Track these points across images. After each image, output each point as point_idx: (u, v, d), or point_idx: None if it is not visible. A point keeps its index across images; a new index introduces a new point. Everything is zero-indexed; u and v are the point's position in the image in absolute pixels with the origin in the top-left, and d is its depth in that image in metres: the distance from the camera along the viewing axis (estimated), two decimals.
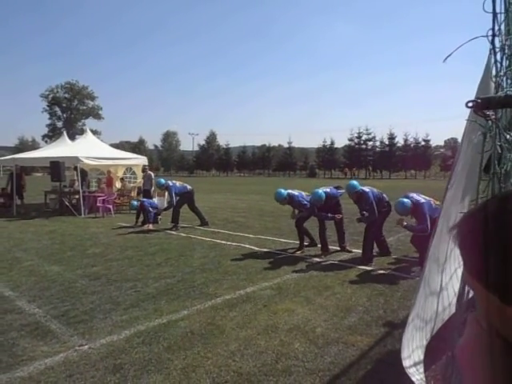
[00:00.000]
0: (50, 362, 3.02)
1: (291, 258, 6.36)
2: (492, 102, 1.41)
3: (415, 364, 2.36)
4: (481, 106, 1.42)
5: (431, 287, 2.44)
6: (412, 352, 2.37)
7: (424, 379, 2.30)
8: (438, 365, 2.79)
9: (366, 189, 6.18)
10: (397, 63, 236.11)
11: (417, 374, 2.28)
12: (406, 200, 5.33)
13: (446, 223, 2.28)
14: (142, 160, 14.31)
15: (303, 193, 6.97)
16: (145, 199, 10.23)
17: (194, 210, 9.83)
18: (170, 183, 9.49)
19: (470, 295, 1.94)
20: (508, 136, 1.71)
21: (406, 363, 2.28)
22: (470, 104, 1.42)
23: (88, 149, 13.35)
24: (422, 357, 2.44)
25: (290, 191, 6.84)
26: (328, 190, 6.67)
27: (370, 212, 5.94)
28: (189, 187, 9.68)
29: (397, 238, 7.70)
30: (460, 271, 2.68)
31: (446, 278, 2.58)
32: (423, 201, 5.40)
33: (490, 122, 1.59)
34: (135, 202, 10.23)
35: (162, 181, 9.67)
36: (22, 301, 4.43)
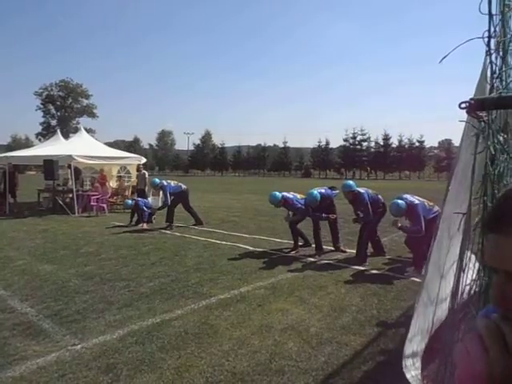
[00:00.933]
0: (42, 361, 3.00)
1: (286, 258, 6.36)
2: (485, 103, 1.42)
3: (413, 355, 2.34)
4: (474, 107, 1.43)
5: (431, 293, 2.44)
6: (413, 336, 2.33)
7: (419, 376, 2.30)
8: (432, 365, 2.80)
9: (362, 190, 6.21)
10: (393, 63, 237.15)
11: (412, 370, 2.28)
12: (400, 201, 5.35)
13: (447, 226, 2.27)
14: (138, 159, 14.23)
15: (297, 195, 6.99)
16: (139, 198, 10.19)
17: (188, 209, 9.82)
18: (165, 183, 9.45)
19: (465, 296, 1.96)
20: (501, 138, 1.73)
21: (406, 350, 2.25)
22: (463, 105, 1.43)
23: (82, 147, 13.26)
24: (419, 348, 2.43)
25: (284, 194, 6.86)
26: (323, 190, 6.69)
27: (365, 213, 5.97)
28: (183, 186, 9.65)
29: (390, 239, 7.73)
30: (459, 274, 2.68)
31: (446, 283, 2.59)
32: (417, 202, 5.42)
33: (482, 123, 1.60)
34: (129, 201, 10.19)
35: (157, 180, 9.64)
36: (14, 300, 4.39)
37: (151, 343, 3.28)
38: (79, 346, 3.23)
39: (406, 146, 55.39)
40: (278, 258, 6.37)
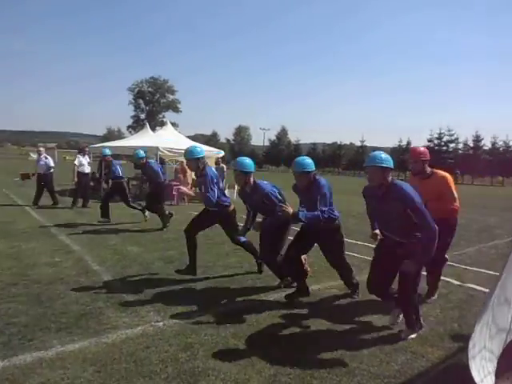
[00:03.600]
0: (130, 332, 3.32)
1: None
2: None
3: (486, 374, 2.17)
4: None
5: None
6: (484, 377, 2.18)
7: None
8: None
9: None
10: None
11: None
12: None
13: None
14: (216, 152, 14.87)
15: None
16: None
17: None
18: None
19: None
20: None
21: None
22: None
23: (167, 140, 14.22)
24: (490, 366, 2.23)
25: None
26: None
27: None
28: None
29: (478, 249, 7.12)
30: None
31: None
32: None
33: None
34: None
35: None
36: (107, 275, 4.91)
37: (225, 329, 3.45)
38: (161, 323, 3.52)
39: (501, 149, 50.10)
40: None
